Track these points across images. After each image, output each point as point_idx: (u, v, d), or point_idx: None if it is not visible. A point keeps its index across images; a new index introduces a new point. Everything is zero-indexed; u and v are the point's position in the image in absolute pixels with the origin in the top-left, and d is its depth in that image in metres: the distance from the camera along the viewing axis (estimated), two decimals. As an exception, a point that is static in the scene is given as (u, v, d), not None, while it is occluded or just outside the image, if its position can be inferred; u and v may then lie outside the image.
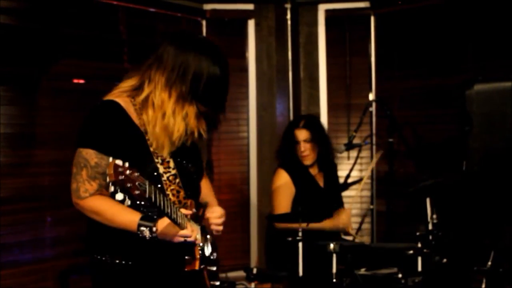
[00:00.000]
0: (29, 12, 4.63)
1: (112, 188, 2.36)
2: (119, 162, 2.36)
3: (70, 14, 4.87)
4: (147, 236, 2.61)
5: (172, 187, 2.81)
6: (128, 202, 2.45)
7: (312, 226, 4.29)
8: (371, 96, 5.97)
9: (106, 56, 5.12)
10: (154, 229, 2.61)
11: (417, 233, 4.29)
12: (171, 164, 2.82)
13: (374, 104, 5.90)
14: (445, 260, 4.28)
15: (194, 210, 2.87)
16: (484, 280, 4.37)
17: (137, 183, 2.39)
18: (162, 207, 2.53)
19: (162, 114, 2.72)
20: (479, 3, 5.20)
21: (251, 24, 6.02)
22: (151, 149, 2.76)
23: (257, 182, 5.99)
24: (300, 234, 4.10)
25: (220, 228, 3.06)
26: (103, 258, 2.78)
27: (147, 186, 2.43)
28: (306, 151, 4.81)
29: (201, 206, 2.98)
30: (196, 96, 2.72)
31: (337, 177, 5.12)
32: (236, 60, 6.01)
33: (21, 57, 4.57)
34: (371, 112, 5.90)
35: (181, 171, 2.85)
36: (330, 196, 4.92)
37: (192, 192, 2.92)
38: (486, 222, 4.84)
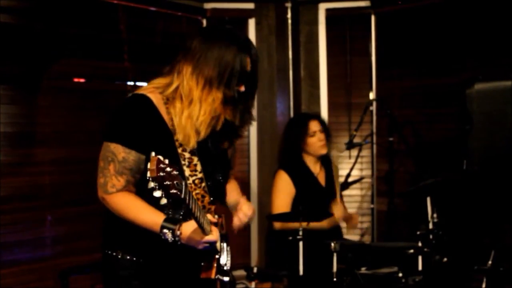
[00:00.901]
0: (29, 11, 4.63)
1: (152, 184, 2.31)
2: (161, 157, 2.32)
3: (70, 13, 4.86)
4: (169, 238, 2.58)
5: (197, 191, 2.76)
6: (164, 200, 2.40)
7: (311, 226, 4.28)
8: (372, 95, 5.97)
9: (106, 55, 5.11)
10: (178, 232, 2.58)
11: (418, 232, 4.29)
12: (198, 168, 2.77)
13: (374, 103, 5.89)
14: (445, 259, 4.28)
15: (217, 216, 2.80)
16: (484, 279, 4.38)
17: (175, 182, 2.34)
18: (193, 210, 2.49)
19: (189, 101, 2.69)
20: (479, 2, 5.20)
21: (251, 23, 6.01)
22: (179, 150, 2.72)
23: (258, 181, 5.99)
24: (300, 233, 4.10)
25: (245, 219, 3.09)
26: (114, 254, 2.76)
27: (183, 187, 2.38)
28: (323, 141, 4.83)
29: (221, 214, 2.91)
30: (222, 82, 2.69)
31: (332, 171, 5.07)
32: (236, 59, 6.02)
33: (21, 56, 4.57)
34: (371, 111, 5.90)
35: (207, 175, 2.81)
36: (331, 195, 4.92)
37: (217, 197, 2.89)
38: (487, 221, 4.85)
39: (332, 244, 4.07)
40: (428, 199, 4.41)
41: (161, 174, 2.30)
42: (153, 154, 2.34)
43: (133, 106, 2.72)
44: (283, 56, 6.05)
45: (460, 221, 5.00)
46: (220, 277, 2.88)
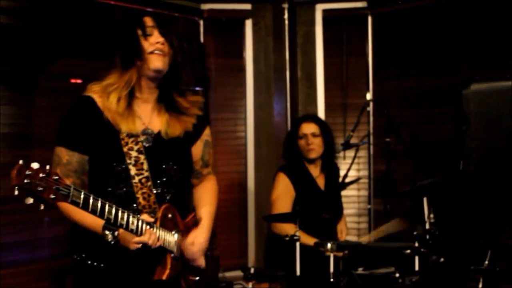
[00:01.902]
0: (27, 12, 4.63)
1: (16, 192, 2.25)
2: (33, 164, 2.25)
3: (68, 14, 4.86)
4: (110, 240, 2.57)
5: (143, 190, 2.75)
6: (41, 207, 2.31)
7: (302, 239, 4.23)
8: (369, 96, 5.98)
9: (103, 56, 5.10)
10: (116, 234, 2.58)
11: (414, 233, 4.29)
12: (145, 166, 2.76)
13: (371, 104, 5.90)
14: (442, 259, 4.28)
15: (161, 215, 2.77)
16: (481, 279, 4.38)
17: (54, 187, 2.28)
18: (97, 212, 2.46)
19: (108, 92, 2.78)
20: (476, 2, 5.21)
21: (248, 24, 6.02)
22: (125, 149, 2.72)
23: (255, 182, 5.99)
24: (297, 233, 4.10)
25: (196, 256, 2.95)
26: (78, 258, 2.78)
27: (71, 191, 2.34)
28: (313, 145, 4.81)
29: (174, 213, 2.87)
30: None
31: (338, 181, 5.10)
32: (233, 60, 6.03)
33: (19, 56, 4.57)
34: (368, 111, 5.91)
35: (157, 173, 2.79)
36: (330, 199, 4.92)
37: (172, 194, 2.84)
38: (483, 221, 4.85)
39: (329, 245, 4.07)
40: (425, 200, 4.42)
41: (27, 181, 2.22)
42: (21, 162, 2.26)
43: (74, 108, 2.78)
44: (280, 57, 6.06)
45: (457, 221, 5.01)
46: (190, 277, 2.87)
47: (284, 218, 4.56)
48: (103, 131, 2.73)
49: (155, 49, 2.78)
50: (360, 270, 4.31)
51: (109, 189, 2.73)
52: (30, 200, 2.28)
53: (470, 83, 4.43)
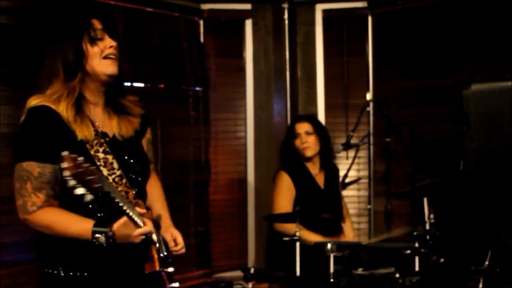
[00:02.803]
0: (27, 12, 4.62)
1: (72, 182, 2.30)
2: (73, 154, 2.30)
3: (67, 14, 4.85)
4: (103, 242, 2.53)
5: (120, 189, 2.69)
6: (89, 196, 2.37)
7: (302, 236, 4.24)
8: (369, 96, 5.98)
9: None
10: (110, 233, 2.53)
11: (415, 233, 4.29)
12: (115, 165, 2.71)
13: (371, 104, 5.90)
14: (442, 259, 4.28)
15: (145, 209, 2.76)
16: (481, 280, 4.38)
17: (94, 177, 2.33)
18: (120, 204, 2.48)
19: (57, 98, 2.69)
20: (475, 2, 5.21)
21: (248, 24, 6.01)
22: (92, 152, 2.66)
23: (254, 182, 5.99)
24: (297, 234, 4.10)
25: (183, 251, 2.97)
26: (55, 272, 2.68)
27: (103, 181, 2.38)
28: (307, 143, 4.84)
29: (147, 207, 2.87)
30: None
31: (338, 181, 5.11)
32: (233, 60, 6.03)
33: (19, 56, 4.56)
34: (368, 112, 5.90)
35: (126, 171, 2.75)
36: (330, 197, 4.92)
37: (138, 192, 2.81)
38: (483, 221, 4.85)
39: (329, 245, 4.07)
40: (425, 200, 4.42)
41: (80, 170, 2.30)
42: (65, 153, 2.30)
43: (34, 120, 2.66)
44: (280, 57, 6.05)
45: (457, 222, 5.01)
46: (165, 269, 2.81)
47: (284, 218, 4.56)
48: (66, 138, 2.64)
49: (109, 54, 2.72)
50: (360, 271, 4.30)
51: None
52: (81, 190, 2.33)
53: (471, 84, 4.43)
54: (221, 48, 6.01)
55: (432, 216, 4.38)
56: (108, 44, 2.73)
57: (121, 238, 2.57)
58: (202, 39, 5.90)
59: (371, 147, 5.85)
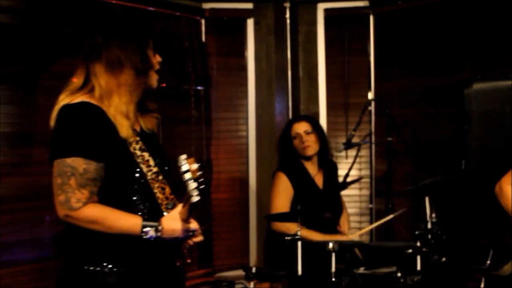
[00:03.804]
0: (28, 11, 4.63)
1: (193, 185, 2.45)
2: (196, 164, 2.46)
3: (69, 13, 4.86)
4: (152, 236, 2.62)
5: (157, 185, 2.77)
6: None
7: (303, 234, 4.24)
8: (370, 95, 5.97)
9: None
10: (160, 227, 2.63)
11: (416, 232, 4.29)
12: (151, 162, 2.77)
13: (373, 103, 5.89)
14: (444, 259, 4.28)
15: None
16: (483, 279, 4.38)
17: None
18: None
19: (110, 95, 2.72)
20: (477, 2, 5.21)
21: (250, 23, 6.01)
22: (131, 149, 2.72)
23: (256, 181, 5.99)
24: (299, 233, 4.10)
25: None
26: (98, 268, 2.67)
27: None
28: (308, 142, 4.84)
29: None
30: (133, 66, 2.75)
31: (337, 178, 5.11)
32: (235, 59, 6.03)
33: (21, 56, 4.57)
34: (370, 111, 5.90)
35: (160, 167, 2.81)
36: (329, 197, 4.92)
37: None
38: (485, 220, 4.85)
39: (331, 244, 4.07)
40: (427, 199, 4.42)
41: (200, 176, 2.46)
42: (184, 156, 2.44)
43: (82, 115, 2.68)
44: (282, 56, 6.05)
45: (459, 221, 5.01)
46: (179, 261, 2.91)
47: (285, 217, 4.56)
48: (110, 136, 2.69)
49: (157, 69, 2.86)
50: (361, 270, 4.30)
51: (136, 186, 2.74)
52: (197, 198, 2.46)
53: (472, 83, 4.43)
54: (223, 47, 6.01)
55: (433, 215, 4.38)
56: (159, 60, 2.86)
57: (168, 233, 2.66)
58: (203, 39, 5.90)
59: (373, 146, 5.85)
